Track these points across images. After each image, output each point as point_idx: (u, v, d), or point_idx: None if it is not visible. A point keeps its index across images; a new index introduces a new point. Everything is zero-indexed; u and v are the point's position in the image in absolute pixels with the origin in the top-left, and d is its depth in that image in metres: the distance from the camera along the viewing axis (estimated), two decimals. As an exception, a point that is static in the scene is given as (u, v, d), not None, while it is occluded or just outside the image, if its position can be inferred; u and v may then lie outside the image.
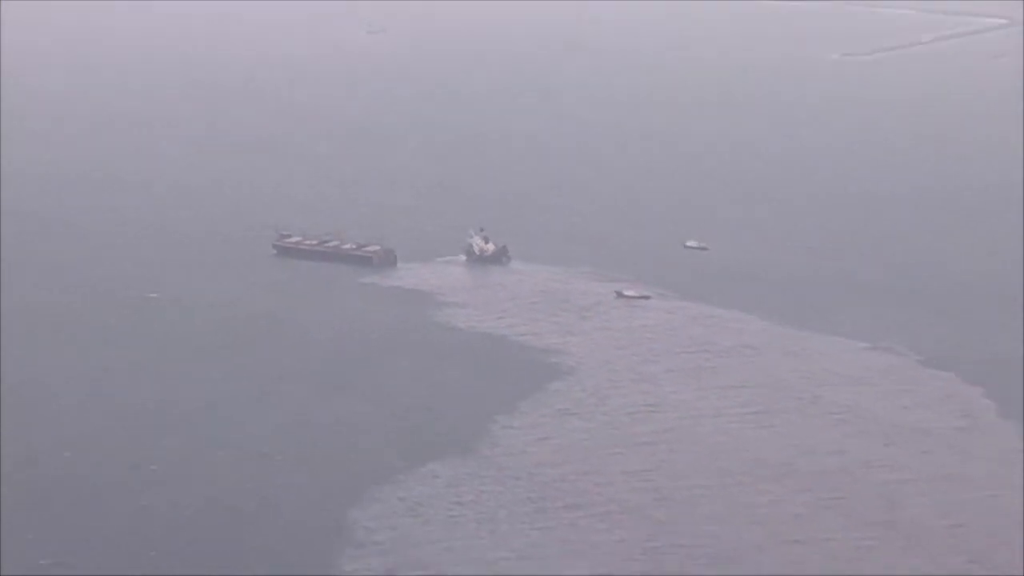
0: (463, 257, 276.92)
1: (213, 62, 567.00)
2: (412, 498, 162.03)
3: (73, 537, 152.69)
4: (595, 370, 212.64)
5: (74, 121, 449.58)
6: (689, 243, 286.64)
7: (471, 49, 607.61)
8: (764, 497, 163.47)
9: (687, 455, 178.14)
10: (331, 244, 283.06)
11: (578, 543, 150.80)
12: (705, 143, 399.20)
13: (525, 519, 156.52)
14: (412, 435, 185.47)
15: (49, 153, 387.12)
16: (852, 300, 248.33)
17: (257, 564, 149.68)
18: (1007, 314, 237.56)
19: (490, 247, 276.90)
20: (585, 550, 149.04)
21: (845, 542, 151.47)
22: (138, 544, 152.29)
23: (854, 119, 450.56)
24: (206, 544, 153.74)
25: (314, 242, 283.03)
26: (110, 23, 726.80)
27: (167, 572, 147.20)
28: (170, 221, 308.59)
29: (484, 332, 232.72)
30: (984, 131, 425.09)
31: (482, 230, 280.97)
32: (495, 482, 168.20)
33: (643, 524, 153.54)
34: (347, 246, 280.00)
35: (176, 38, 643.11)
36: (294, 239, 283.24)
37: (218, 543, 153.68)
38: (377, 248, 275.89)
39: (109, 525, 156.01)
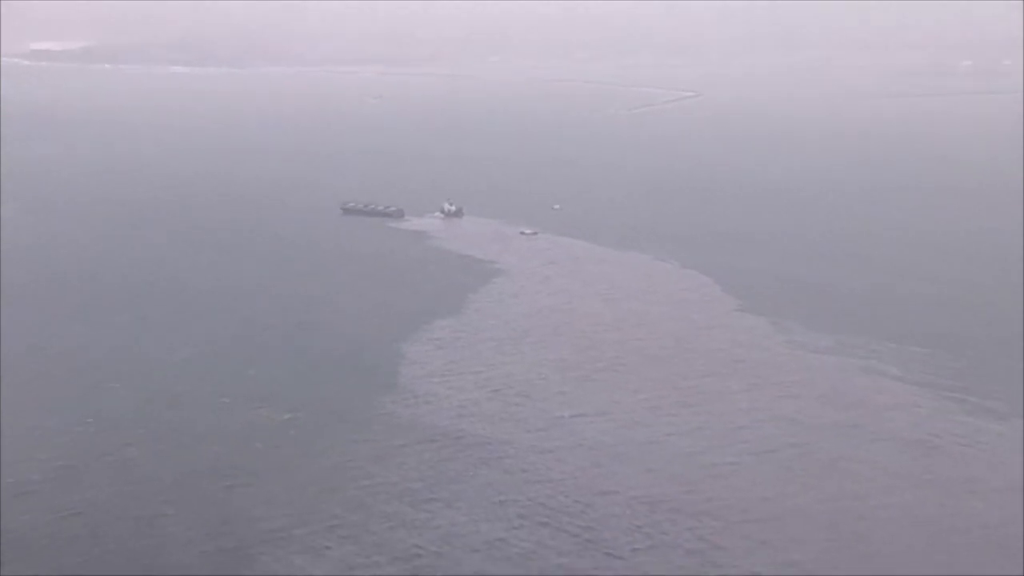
0: (439, 214, 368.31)
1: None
2: (431, 338, 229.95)
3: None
4: (515, 270, 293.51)
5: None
6: (555, 206, 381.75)
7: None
8: (592, 330, 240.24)
9: (561, 306, 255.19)
10: (370, 207, 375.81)
11: (525, 354, 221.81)
12: (556, 160, 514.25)
13: (503, 345, 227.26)
14: (424, 304, 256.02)
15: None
16: (653, 240, 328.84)
17: (336, 350, 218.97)
18: (737, 250, 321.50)
19: (453, 208, 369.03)
20: (524, 356, 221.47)
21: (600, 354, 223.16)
22: (273, 337, 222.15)
23: (630, 142, 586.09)
24: (329, 347, 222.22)
25: (361, 206, 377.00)
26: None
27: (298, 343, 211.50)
28: (294, 199, 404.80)
29: (453, 251, 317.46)
30: (697, 142, 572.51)
31: (449, 200, 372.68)
32: (478, 327, 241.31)
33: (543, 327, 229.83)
34: (379, 207, 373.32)
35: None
36: (351, 204, 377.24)
37: (316, 337, 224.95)
38: (394, 208, 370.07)
39: (289, 344, 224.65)
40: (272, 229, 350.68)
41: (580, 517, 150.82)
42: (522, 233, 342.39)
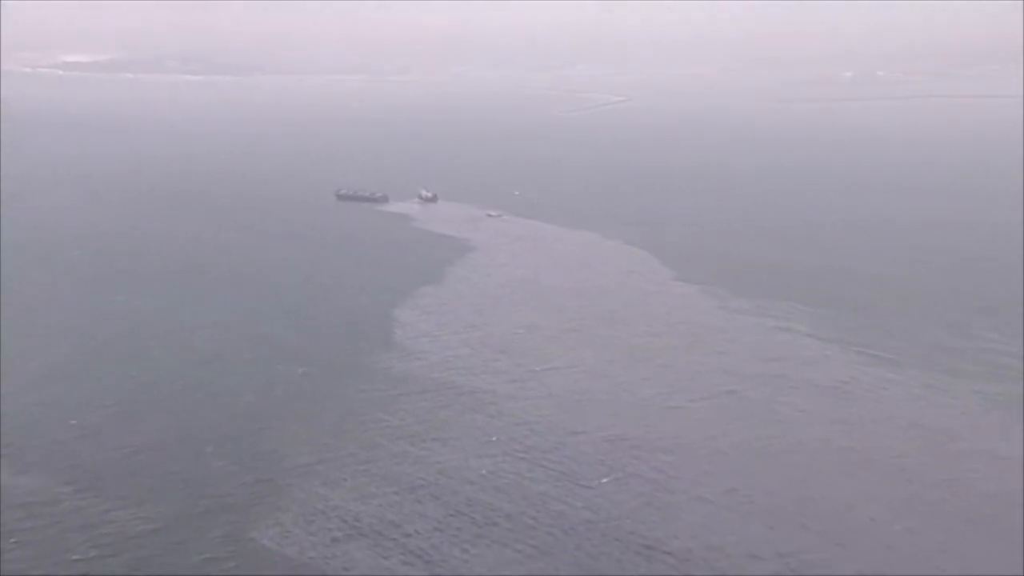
0: (417, 199, 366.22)
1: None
2: (419, 303, 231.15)
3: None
4: (485, 246, 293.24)
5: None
6: (515, 192, 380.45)
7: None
8: (555, 296, 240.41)
9: (528, 276, 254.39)
10: (360, 193, 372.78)
11: (500, 317, 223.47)
12: (513, 153, 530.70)
13: (480, 309, 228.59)
14: (410, 275, 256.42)
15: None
16: (600, 221, 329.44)
17: (341, 315, 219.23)
18: (670, 229, 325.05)
19: (429, 195, 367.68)
20: (500, 319, 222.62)
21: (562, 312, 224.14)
22: (290, 293, 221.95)
23: (573, 138, 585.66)
24: (327, 306, 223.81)
25: (352, 192, 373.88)
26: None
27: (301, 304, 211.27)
28: (296, 188, 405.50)
29: (431, 230, 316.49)
30: (630, 138, 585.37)
31: (425, 187, 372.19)
32: (458, 295, 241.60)
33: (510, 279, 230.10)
34: (367, 193, 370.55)
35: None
36: (344, 192, 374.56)
37: (323, 304, 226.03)
38: (380, 194, 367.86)
39: (300, 298, 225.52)
40: (280, 213, 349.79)
41: (554, 453, 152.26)
42: (489, 215, 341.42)
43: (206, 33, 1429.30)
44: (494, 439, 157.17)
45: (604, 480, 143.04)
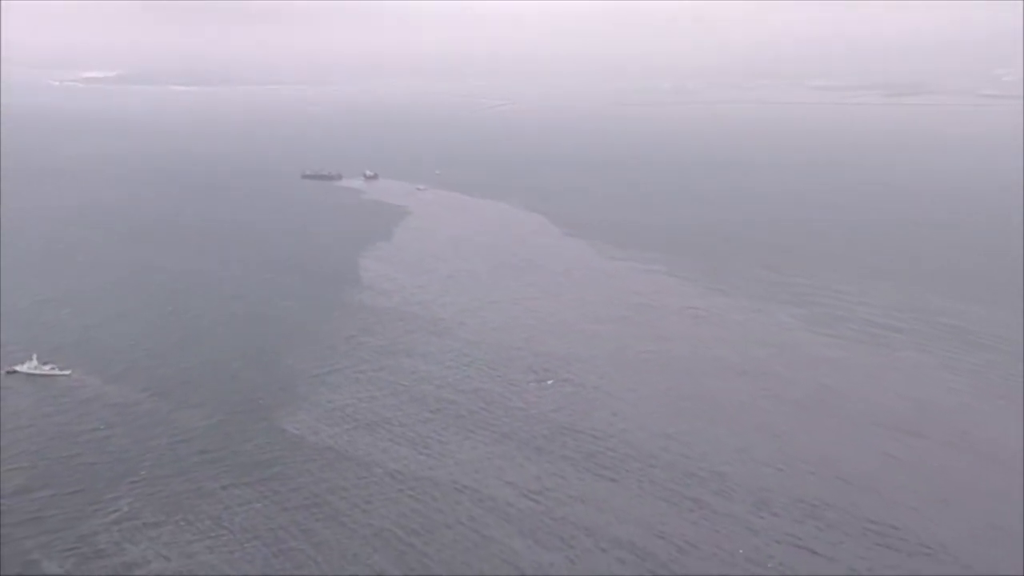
0: (362, 178, 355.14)
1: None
2: (375, 254, 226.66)
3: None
4: (419, 212, 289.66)
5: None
6: (436, 172, 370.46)
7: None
8: (478, 248, 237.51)
9: (456, 234, 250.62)
10: (320, 173, 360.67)
11: (441, 264, 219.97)
12: (430, 141, 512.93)
13: (424, 259, 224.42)
14: (359, 234, 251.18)
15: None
16: (504, 193, 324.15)
17: (320, 264, 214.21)
18: (559, 200, 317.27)
19: (372, 174, 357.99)
20: (442, 265, 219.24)
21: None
22: (276, 248, 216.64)
23: (474, 130, 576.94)
24: (307, 253, 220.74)
25: (313, 173, 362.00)
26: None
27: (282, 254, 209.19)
28: (273, 170, 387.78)
29: (377, 200, 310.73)
30: (516, 130, 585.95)
31: (368, 168, 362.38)
32: (405, 247, 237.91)
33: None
34: (325, 173, 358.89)
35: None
36: (308, 172, 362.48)
37: (306, 256, 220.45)
38: (335, 173, 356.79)
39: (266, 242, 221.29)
40: (262, 189, 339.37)
41: (500, 365, 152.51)
42: (418, 188, 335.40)
43: (190, 54, 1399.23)
44: (451, 354, 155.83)
45: (544, 383, 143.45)
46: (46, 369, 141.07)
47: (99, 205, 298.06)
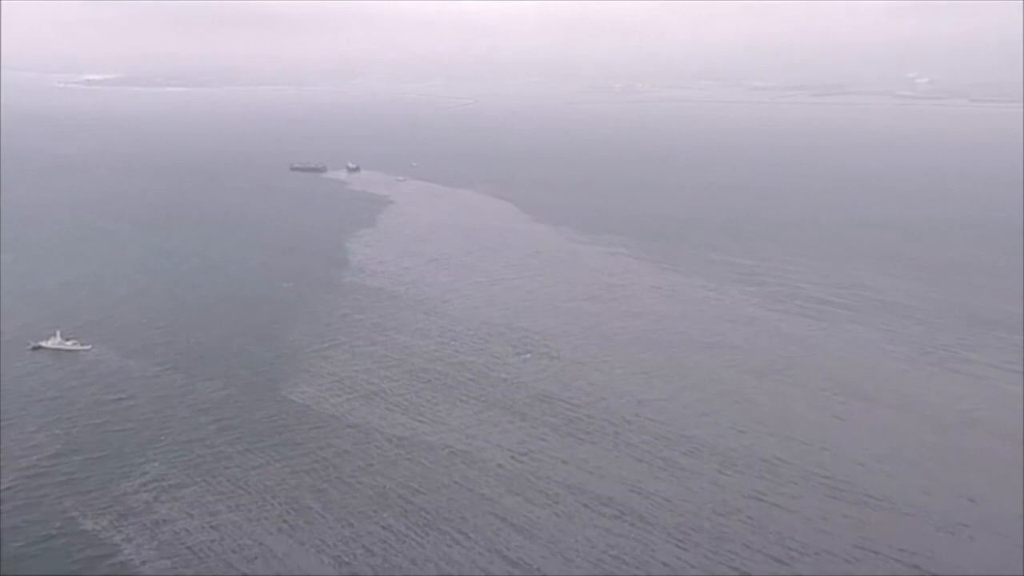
0: (345, 169, 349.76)
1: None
2: (362, 239, 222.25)
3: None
4: (400, 200, 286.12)
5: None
6: (413, 164, 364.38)
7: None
8: (455, 233, 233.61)
9: (434, 220, 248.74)
10: (307, 166, 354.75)
11: (424, 246, 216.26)
12: (405, 136, 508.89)
13: (407, 242, 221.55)
14: (346, 221, 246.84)
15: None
16: (475, 183, 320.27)
17: (312, 248, 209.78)
18: (524, 188, 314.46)
19: (354, 166, 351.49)
20: (424, 248, 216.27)
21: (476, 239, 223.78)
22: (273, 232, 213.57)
23: (441, 127, 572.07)
24: (298, 235, 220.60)
25: (300, 165, 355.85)
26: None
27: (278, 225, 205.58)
28: (264, 163, 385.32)
29: (360, 190, 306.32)
30: (481, 127, 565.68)
31: (351, 160, 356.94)
32: (389, 232, 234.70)
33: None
34: (311, 165, 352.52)
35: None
36: (296, 165, 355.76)
37: (299, 241, 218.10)
38: (321, 165, 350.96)
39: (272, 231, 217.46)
40: (254, 180, 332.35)
41: (483, 340, 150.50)
42: (398, 180, 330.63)
43: (182, 57, 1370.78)
44: (435, 329, 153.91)
45: (525, 356, 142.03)
46: (69, 345, 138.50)
47: (108, 196, 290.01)
